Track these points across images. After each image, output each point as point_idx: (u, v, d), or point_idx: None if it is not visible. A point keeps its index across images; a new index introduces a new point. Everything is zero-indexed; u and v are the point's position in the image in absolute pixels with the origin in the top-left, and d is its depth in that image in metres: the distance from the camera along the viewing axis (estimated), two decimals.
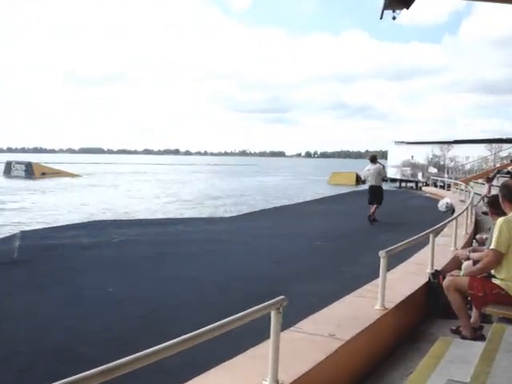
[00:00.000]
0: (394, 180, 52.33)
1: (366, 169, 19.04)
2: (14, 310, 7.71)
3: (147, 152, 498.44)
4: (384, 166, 20.79)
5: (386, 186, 47.22)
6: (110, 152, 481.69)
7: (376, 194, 18.46)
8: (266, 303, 3.12)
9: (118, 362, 2.12)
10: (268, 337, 3.30)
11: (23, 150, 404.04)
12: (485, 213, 14.74)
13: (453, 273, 5.79)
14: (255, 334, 3.84)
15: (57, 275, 10.05)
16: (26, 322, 7.13)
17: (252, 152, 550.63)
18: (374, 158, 19.01)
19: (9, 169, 70.08)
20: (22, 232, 16.13)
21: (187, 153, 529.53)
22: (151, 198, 37.98)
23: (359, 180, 57.38)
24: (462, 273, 5.63)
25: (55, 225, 20.15)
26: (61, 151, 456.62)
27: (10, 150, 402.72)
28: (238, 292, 8.61)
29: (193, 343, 2.54)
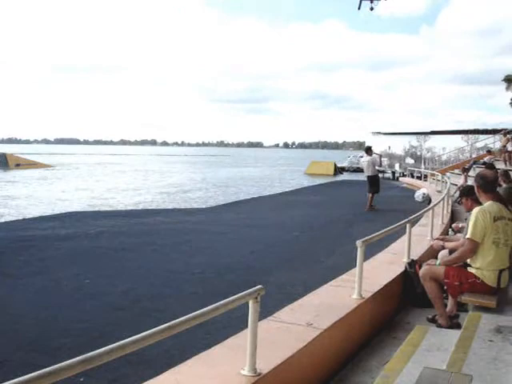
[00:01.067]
0: None
1: (362, 160, 19.61)
2: None
3: (124, 142, 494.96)
4: (381, 156, 21.15)
5: (361, 177, 47.76)
6: (86, 142, 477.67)
7: (371, 184, 19.19)
8: (244, 292, 3.12)
9: (97, 351, 2.11)
10: (246, 326, 3.30)
11: None
12: (460, 203, 14.90)
13: (429, 262, 5.84)
14: (235, 323, 3.84)
15: (32, 267, 9.93)
16: (1, 313, 7.04)
17: (230, 143, 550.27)
18: (368, 149, 19.45)
19: None
20: None
21: (164, 143, 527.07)
22: (128, 188, 37.70)
23: (337, 170, 57.72)
24: (438, 262, 5.68)
25: (30, 216, 19.93)
26: (36, 142, 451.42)
27: None
28: (216, 282, 8.61)
29: (170, 333, 2.53)
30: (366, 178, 19.66)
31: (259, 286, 3.22)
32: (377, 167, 19.76)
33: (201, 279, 8.94)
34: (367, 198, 19.14)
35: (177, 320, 2.60)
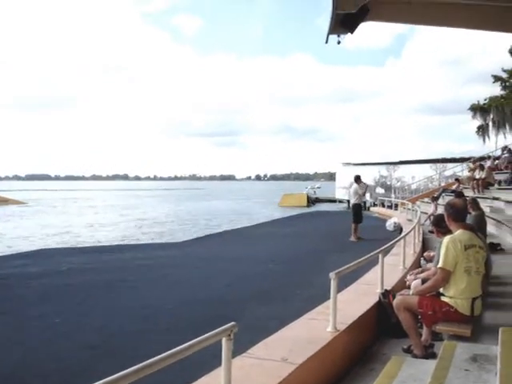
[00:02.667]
0: (342, 201, 53.08)
1: (352, 188, 19.99)
2: None
3: (95, 178, 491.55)
4: (366, 185, 21.26)
5: (334, 208, 47.86)
6: (58, 178, 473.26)
7: (353, 212, 19.25)
8: (217, 330, 3.06)
9: None
10: (217, 365, 3.24)
11: None
12: (431, 231, 15.02)
13: (402, 292, 5.84)
14: (209, 360, 3.76)
15: (3, 306, 9.72)
16: None
17: (202, 176, 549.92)
18: (357, 178, 19.71)
19: None
20: None
21: (137, 178, 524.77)
22: (100, 224, 37.31)
23: (310, 201, 57.97)
24: (411, 292, 5.68)
25: (1, 254, 19.58)
26: (7, 178, 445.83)
27: None
28: (191, 317, 8.49)
29: (144, 373, 2.47)
30: (346, 208, 19.86)
31: (232, 323, 3.17)
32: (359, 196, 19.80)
33: (175, 315, 8.82)
34: (351, 227, 19.09)
35: (149, 360, 2.54)
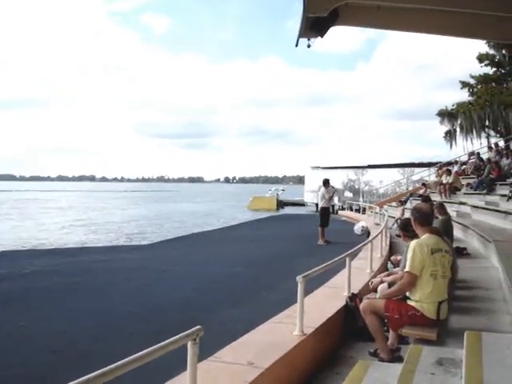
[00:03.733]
0: (305, 204, 53.41)
1: (320, 191, 20.05)
2: None
3: (61, 178, 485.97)
4: (334, 188, 21.26)
5: (302, 211, 48.01)
6: (23, 179, 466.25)
7: (322, 215, 19.31)
8: (182, 334, 3.02)
9: None
10: (183, 370, 3.19)
11: None
12: (398, 235, 15.15)
13: (369, 296, 5.86)
14: (175, 364, 3.70)
15: None
16: None
17: (170, 178, 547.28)
18: (326, 182, 19.77)
19: None
20: None
21: (103, 179, 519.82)
22: (65, 226, 36.83)
23: (279, 204, 58.08)
24: (377, 295, 5.70)
25: None
26: None
27: None
28: (156, 322, 8.39)
29: (106, 379, 2.41)
30: (314, 211, 19.90)
31: (198, 327, 3.13)
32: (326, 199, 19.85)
33: (140, 319, 8.71)
34: (318, 231, 19.13)
35: (114, 365, 2.48)
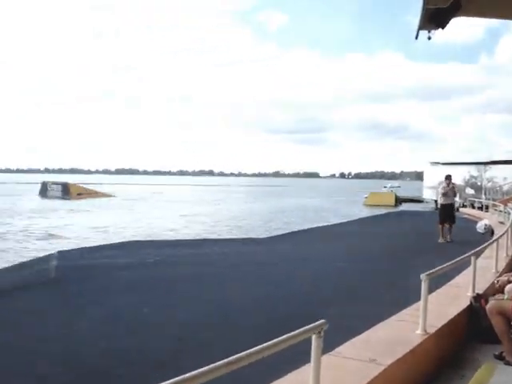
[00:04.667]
0: (425, 201, 51.81)
1: (441, 188, 19.53)
2: (50, 330, 7.71)
3: (182, 173, 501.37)
4: (455, 185, 20.70)
5: (420, 208, 46.74)
6: (146, 173, 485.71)
7: (440, 213, 18.95)
8: (307, 327, 3.03)
9: None
10: (303, 363, 3.20)
11: (60, 171, 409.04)
12: None
13: (496, 296, 5.63)
14: (292, 356, 3.72)
15: (92, 295, 10.07)
16: (62, 342, 7.11)
17: (286, 173, 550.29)
18: (447, 177, 19.23)
19: (45, 189, 71.15)
20: (59, 252, 16.28)
21: (221, 174, 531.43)
22: (186, 218, 38.14)
23: (398, 200, 56.80)
24: (505, 296, 5.46)
25: (91, 245, 20.34)
26: (97, 172, 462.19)
27: (47, 171, 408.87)
28: (274, 314, 8.48)
29: (231, 368, 2.47)
30: (436, 207, 19.34)
31: (322, 321, 3.13)
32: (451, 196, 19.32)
33: (259, 311, 8.84)
34: (438, 228, 18.59)
35: (238, 355, 2.53)
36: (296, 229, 28.04)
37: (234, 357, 2.50)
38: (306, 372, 3.32)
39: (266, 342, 2.75)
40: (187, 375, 2.22)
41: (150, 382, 2.05)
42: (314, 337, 3.08)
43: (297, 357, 3.60)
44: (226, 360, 2.44)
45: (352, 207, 54.57)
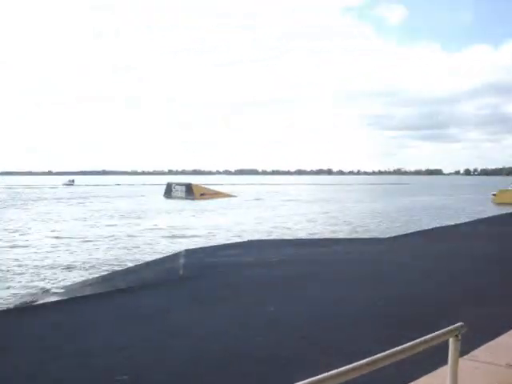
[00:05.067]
0: None
1: None
2: (180, 325, 8.00)
3: (300, 172, 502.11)
4: None
5: None
6: (264, 173, 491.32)
7: None
8: (444, 330, 2.98)
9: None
10: (434, 367, 3.14)
11: (183, 172, 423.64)
12: None
13: None
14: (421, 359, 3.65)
15: (220, 292, 10.35)
16: (192, 338, 7.34)
17: (407, 171, 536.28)
18: None
19: (169, 190, 74.53)
20: (186, 250, 16.88)
21: (340, 172, 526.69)
22: (306, 217, 38.27)
23: None
24: None
25: (215, 243, 20.94)
26: (218, 173, 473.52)
27: (170, 173, 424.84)
28: (403, 314, 8.31)
29: (368, 369, 2.47)
30: None
31: (460, 324, 3.06)
32: None
33: (386, 312, 8.68)
34: None
35: (375, 356, 2.54)
36: (421, 228, 27.33)
37: (372, 358, 2.50)
38: (440, 376, 3.26)
39: (393, 346, 2.72)
40: (326, 374, 2.26)
41: (287, 381, 2.09)
42: (451, 340, 3.02)
43: (424, 359, 3.52)
44: (364, 361, 2.45)
45: (478, 205, 52.31)
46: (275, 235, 26.22)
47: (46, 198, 76.78)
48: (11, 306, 12.72)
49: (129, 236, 28.27)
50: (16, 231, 31.75)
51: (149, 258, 18.70)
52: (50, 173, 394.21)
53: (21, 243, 26.38)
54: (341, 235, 25.81)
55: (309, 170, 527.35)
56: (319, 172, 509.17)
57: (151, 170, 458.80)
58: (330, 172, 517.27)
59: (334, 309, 8.96)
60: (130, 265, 17.85)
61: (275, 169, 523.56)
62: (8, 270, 18.41)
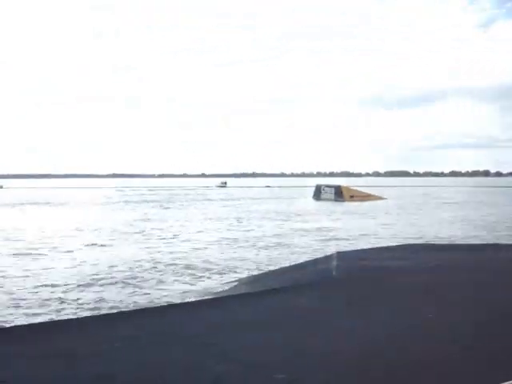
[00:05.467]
0: None
1: None
2: (336, 328, 7.93)
3: (454, 174, 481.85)
4: None
5: None
6: (417, 175, 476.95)
7: None
8: None
9: None
10: None
11: (331, 174, 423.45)
12: None
13: None
14: None
15: (375, 296, 10.15)
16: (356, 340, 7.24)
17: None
18: None
19: (318, 192, 75.17)
20: (338, 253, 16.77)
21: (498, 174, 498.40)
22: (461, 221, 36.78)
23: None
24: None
25: (366, 247, 20.69)
26: (367, 174, 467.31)
27: (319, 175, 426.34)
28: None
29: None
30: None
31: None
32: None
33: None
34: None
35: None
36: None
37: None
38: None
39: None
40: None
41: None
42: None
43: None
44: None
45: None
46: (427, 238, 25.51)
47: (209, 199, 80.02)
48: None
49: (277, 235, 28.76)
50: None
51: (301, 260, 18.83)
52: (203, 175, 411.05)
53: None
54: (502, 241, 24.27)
55: (464, 171, 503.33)
56: (475, 174, 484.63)
57: (299, 172, 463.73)
58: (487, 173, 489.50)
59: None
60: (284, 265, 18.05)
61: (427, 170, 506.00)
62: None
